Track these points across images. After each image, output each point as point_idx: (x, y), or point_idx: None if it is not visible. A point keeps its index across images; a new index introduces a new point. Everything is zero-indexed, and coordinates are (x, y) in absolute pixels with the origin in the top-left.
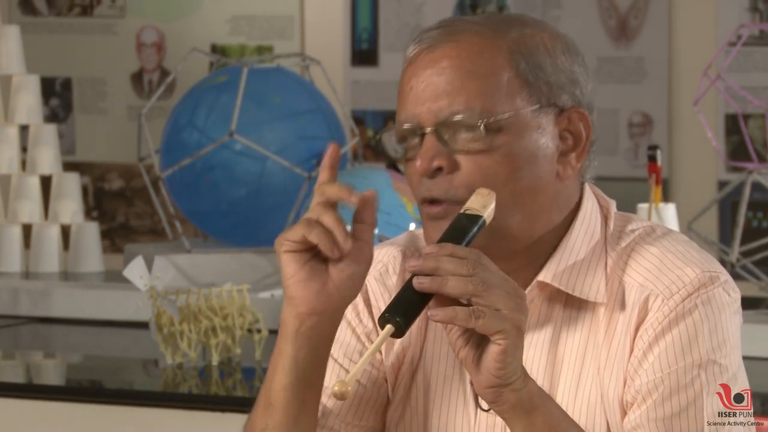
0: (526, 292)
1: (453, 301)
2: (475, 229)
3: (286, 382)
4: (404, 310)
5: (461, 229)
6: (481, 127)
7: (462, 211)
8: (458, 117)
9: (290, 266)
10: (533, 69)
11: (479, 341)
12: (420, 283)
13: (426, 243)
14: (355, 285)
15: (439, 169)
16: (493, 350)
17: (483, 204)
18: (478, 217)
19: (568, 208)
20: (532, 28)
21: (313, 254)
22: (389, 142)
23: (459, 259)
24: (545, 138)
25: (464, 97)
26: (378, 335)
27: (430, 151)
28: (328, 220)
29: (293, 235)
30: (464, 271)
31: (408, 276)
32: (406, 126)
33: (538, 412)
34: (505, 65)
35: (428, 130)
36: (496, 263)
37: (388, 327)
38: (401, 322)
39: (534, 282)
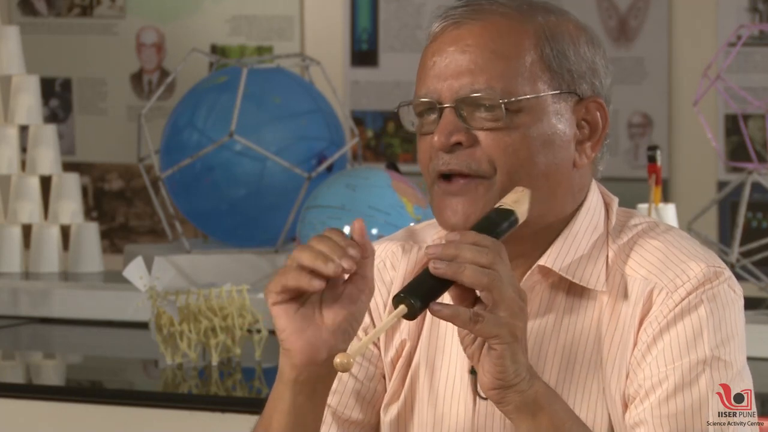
0: (526, 276)
1: (469, 291)
2: (505, 224)
3: (284, 423)
4: (421, 293)
5: (490, 222)
6: (502, 106)
7: (497, 205)
8: (478, 95)
9: (281, 319)
10: (557, 55)
11: (483, 342)
12: (436, 268)
13: (439, 219)
14: (352, 327)
15: (458, 144)
16: (491, 354)
17: (515, 199)
18: (509, 212)
19: (580, 198)
20: (558, 16)
21: (303, 302)
22: (407, 115)
23: (480, 248)
24: (563, 124)
25: (486, 77)
26: (375, 328)
27: (449, 125)
28: (305, 257)
29: (274, 285)
30: (484, 261)
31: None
32: (425, 100)
33: (543, 413)
34: (529, 48)
35: (447, 105)
36: (505, 246)
37: (401, 307)
38: (415, 305)
39: (535, 266)
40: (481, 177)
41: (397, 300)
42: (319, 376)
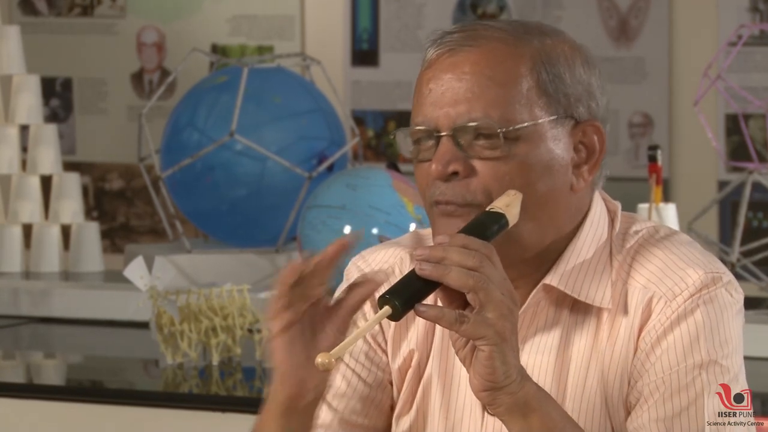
0: (532, 295)
1: (457, 293)
2: (495, 227)
3: None
4: (406, 294)
5: (479, 225)
6: (500, 135)
7: (487, 209)
8: (476, 123)
9: (279, 353)
10: (553, 80)
11: (474, 345)
12: (421, 269)
13: (434, 240)
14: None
15: (455, 174)
16: (480, 355)
17: (506, 203)
18: (499, 215)
19: (578, 218)
20: (552, 37)
21: (300, 332)
22: (403, 141)
23: (469, 250)
24: (560, 149)
25: (483, 105)
26: (384, 338)
27: (446, 154)
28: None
29: (273, 311)
30: (470, 264)
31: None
32: (422, 128)
33: (535, 414)
34: (526, 74)
35: (444, 134)
36: (506, 271)
37: (385, 308)
38: (399, 306)
39: (540, 285)
40: (475, 206)
41: (381, 301)
42: (309, 404)
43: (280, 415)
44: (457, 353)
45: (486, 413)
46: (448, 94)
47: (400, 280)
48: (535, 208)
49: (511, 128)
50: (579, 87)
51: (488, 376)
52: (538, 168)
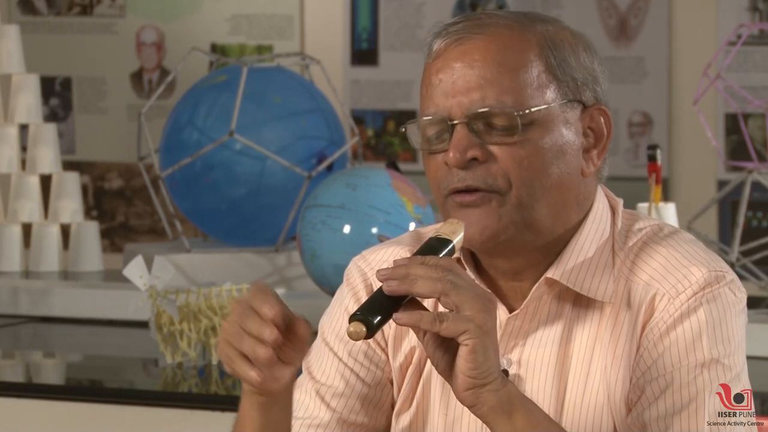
0: (534, 288)
1: (423, 307)
2: (445, 251)
3: None
4: (376, 310)
5: (432, 249)
6: (516, 120)
7: (433, 235)
8: (490, 110)
9: (256, 374)
10: (560, 63)
11: (451, 347)
12: (388, 287)
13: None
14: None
15: (473, 160)
16: (462, 351)
17: (452, 231)
18: (447, 240)
19: (586, 207)
20: (553, 24)
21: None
22: (413, 134)
23: (429, 265)
24: (571, 133)
25: (496, 91)
26: (383, 337)
27: (463, 141)
28: (247, 346)
29: (249, 382)
30: (434, 274)
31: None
32: (435, 118)
33: (519, 413)
34: (534, 59)
35: (459, 121)
36: (515, 258)
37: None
38: (373, 322)
39: (542, 278)
40: (495, 192)
41: (353, 319)
42: (286, 395)
43: (260, 412)
44: (436, 368)
45: None
46: (460, 83)
47: (368, 299)
48: (551, 192)
49: (525, 112)
50: (584, 71)
51: (471, 372)
52: (552, 152)
